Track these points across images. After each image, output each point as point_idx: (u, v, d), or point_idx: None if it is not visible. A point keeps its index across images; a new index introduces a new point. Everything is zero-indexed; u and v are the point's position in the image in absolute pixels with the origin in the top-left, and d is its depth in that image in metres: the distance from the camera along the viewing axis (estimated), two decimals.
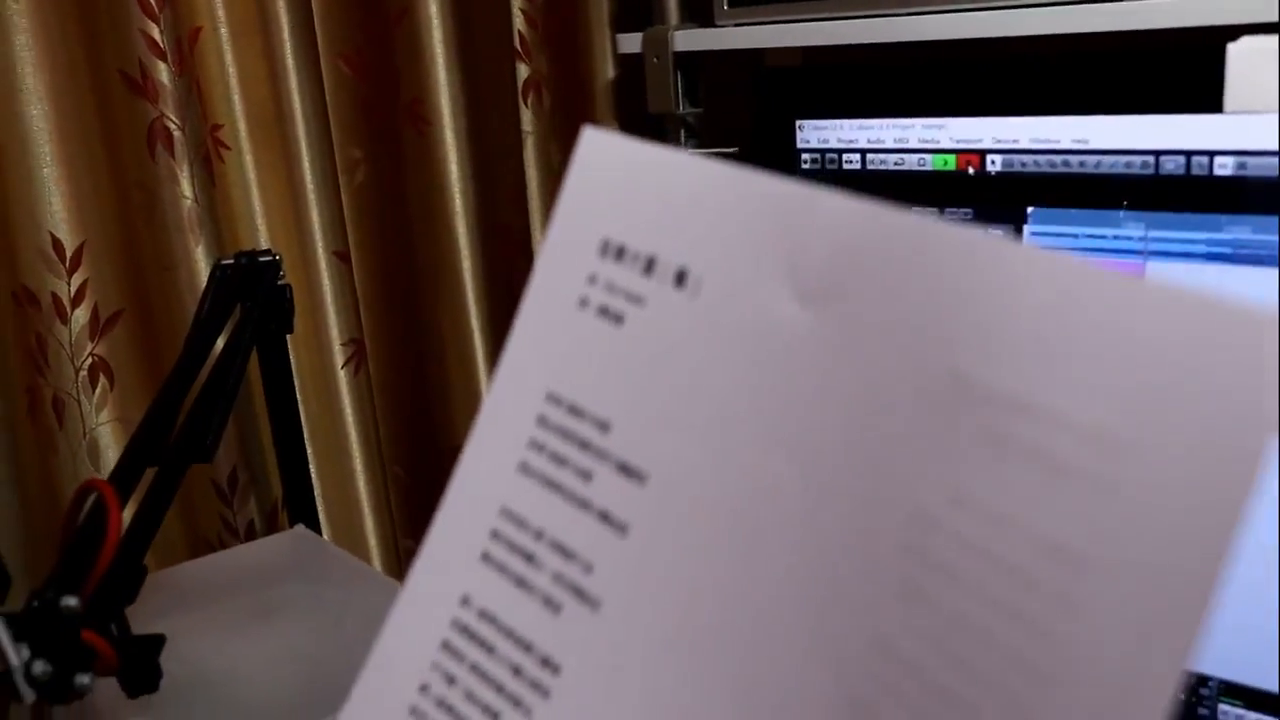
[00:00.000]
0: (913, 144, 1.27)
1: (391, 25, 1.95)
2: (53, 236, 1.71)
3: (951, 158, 1.24)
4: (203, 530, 1.88)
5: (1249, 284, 1.08)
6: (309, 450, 1.87)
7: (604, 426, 0.55)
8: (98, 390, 1.78)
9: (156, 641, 1.19)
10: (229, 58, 1.81)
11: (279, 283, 1.58)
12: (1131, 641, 0.39)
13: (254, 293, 1.51)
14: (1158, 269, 1.08)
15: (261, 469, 1.92)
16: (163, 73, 1.71)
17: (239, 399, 1.54)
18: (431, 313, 2.07)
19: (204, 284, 1.71)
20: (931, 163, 1.25)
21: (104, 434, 1.79)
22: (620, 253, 0.55)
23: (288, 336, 1.67)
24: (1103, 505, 0.40)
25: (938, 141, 1.25)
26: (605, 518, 0.54)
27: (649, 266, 0.54)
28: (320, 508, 1.92)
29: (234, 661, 1.37)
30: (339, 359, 1.95)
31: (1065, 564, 0.41)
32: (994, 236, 0.44)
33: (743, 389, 0.51)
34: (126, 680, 1.18)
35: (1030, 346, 0.43)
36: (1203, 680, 1.16)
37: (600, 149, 0.59)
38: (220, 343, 1.46)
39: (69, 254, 1.73)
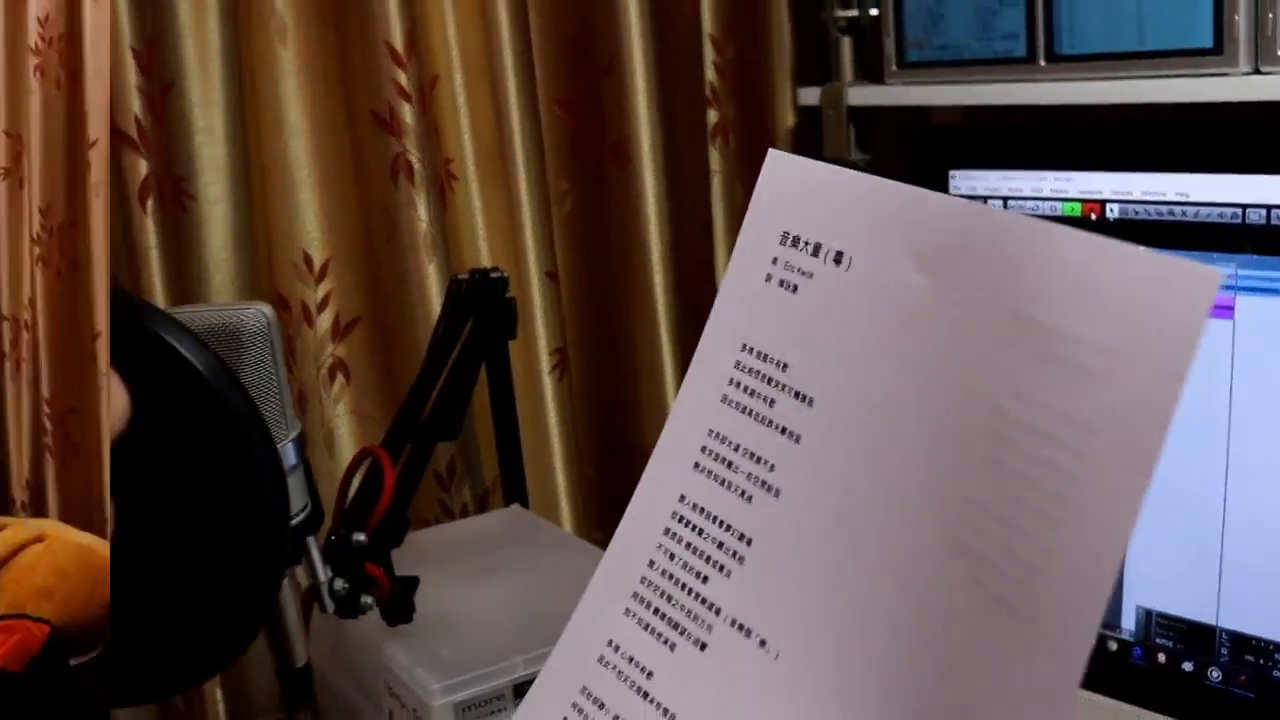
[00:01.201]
0: (1046, 193, 1.47)
1: (600, 75, 2.16)
2: (304, 252, 1.96)
3: (1078, 205, 1.45)
4: (423, 512, 2.09)
5: None
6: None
7: (783, 366, 0.79)
8: (335, 386, 2.02)
9: (413, 581, 1.45)
10: (461, 101, 2.04)
11: (506, 296, 1.78)
12: (1118, 475, 0.63)
13: (485, 303, 1.74)
14: (1246, 303, 1.29)
15: (476, 460, 2.12)
16: (407, 113, 1.93)
17: None
18: (627, 329, 2.26)
19: (434, 296, 1.95)
20: (1061, 209, 1.46)
21: (340, 425, 2.02)
22: (795, 240, 0.79)
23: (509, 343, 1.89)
24: (1100, 390, 0.64)
25: (1067, 192, 1.46)
26: (784, 431, 0.78)
27: (816, 250, 0.78)
28: None
29: (466, 605, 1.60)
30: (546, 366, 2.13)
31: (1079, 429, 0.64)
32: (1043, 222, 0.68)
33: (880, 334, 0.74)
34: (388, 611, 1.44)
35: (1063, 292, 0.66)
36: None
37: (780, 164, 0.83)
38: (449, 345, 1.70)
39: (317, 267, 1.98)
